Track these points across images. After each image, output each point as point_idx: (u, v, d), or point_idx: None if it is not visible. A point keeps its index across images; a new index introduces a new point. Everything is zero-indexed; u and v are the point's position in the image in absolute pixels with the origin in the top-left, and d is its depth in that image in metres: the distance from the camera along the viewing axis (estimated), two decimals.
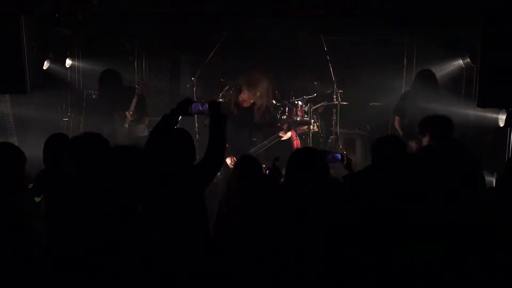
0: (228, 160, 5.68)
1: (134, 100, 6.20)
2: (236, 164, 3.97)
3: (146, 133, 6.47)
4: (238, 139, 5.78)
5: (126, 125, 6.24)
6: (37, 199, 3.54)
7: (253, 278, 2.76)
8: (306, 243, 2.57)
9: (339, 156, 3.96)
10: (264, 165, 4.21)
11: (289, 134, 6.09)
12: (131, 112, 6.21)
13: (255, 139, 5.99)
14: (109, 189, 2.91)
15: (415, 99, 5.95)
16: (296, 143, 7.01)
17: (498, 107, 5.70)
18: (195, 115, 7.07)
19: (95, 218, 2.83)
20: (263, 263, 2.74)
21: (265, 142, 5.90)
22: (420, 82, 5.99)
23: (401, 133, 6.15)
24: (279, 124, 6.44)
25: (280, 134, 5.91)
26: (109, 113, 6.36)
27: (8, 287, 2.82)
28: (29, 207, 3.26)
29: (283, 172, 3.73)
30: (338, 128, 7.09)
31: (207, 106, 3.58)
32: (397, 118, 6.24)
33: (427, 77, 6.00)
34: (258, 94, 5.70)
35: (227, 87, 6.36)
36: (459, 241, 2.79)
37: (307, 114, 7.15)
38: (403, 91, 6.72)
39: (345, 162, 3.99)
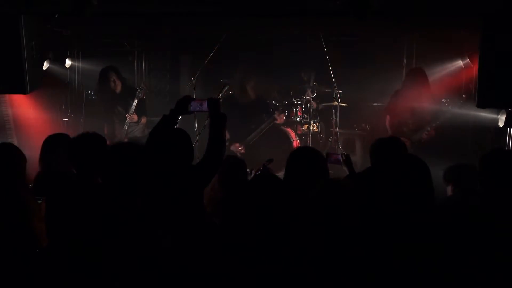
0: (233, 148, 6.27)
1: (134, 103, 6.20)
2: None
3: (145, 133, 6.48)
4: (238, 128, 6.32)
5: (125, 127, 6.24)
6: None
7: (240, 279, 2.76)
8: (305, 245, 2.57)
9: (339, 157, 3.95)
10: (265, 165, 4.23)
11: (283, 117, 6.34)
12: (131, 114, 6.21)
13: (253, 126, 6.45)
14: (108, 188, 2.91)
15: (405, 98, 5.95)
16: (296, 143, 7.02)
17: (498, 107, 5.70)
18: (195, 115, 7.08)
19: (95, 218, 2.83)
20: (250, 265, 2.73)
21: (262, 126, 6.37)
22: (410, 80, 5.99)
23: (389, 131, 6.15)
24: (272, 109, 6.92)
25: (276, 117, 6.41)
26: (106, 112, 6.37)
27: (9, 287, 2.82)
28: (30, 208, 3.26)
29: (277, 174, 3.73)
30: (338, 128, 7.09)
31: (206, 104, 3.56)
32: (387, 117, 6.24)
33: (417, 75, 5.99)
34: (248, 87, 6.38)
35: (226, 87, 6.39)
36: (458, 241, 2.79)
37: (306, 114, 7.17)
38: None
39: (343, 159, 3.96)
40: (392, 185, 2.93)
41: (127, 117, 6.22)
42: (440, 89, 7.18)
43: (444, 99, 6.77)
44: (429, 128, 5.85)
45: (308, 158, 3.41)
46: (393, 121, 6.14)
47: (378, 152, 3.82)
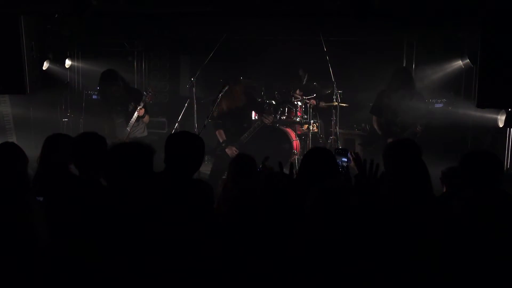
0: (229, 151, 6.20)
1: (142, 103, 6.20)
2: (231, 163, 3.96)
3: (145, 133, 6.48)
4: (233, 130, 6.36)
5: (128, 129, 6.23)
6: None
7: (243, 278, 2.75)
8: (308, 244, 2.56)
9: (348, 155, 3.88)
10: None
11: (271, 118, 6.38)
12: (139, 109, 6.19)
13: (245, 125, 6.44)
14: (110, 187, 2.91)
15: (391, 97, 5.95)
16: (296, 143, 7.02)
17: (498, 108, 5.70)
18: (195, 116, 7.10)
19: (96, 218, 2.83)
20: (262, 261, 2.73)
21: (251, 129, 6.34)
22: (396, 80, 5.99)
23: (379, 132, 6.15)
24: (266, 107, 7.00)
25: (263, 120, 6.37)
26: (108, 115, 6.36)
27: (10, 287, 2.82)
28: (31, 207, 3.25)
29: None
30: (337, 128, 7.10)
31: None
32: (374, 117, 6.24)
33: (403, 75, 6.00)
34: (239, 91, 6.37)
35: (226, 88, 6.39)
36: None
37: (306, 114, 7.17)
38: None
39: (353, 157, 3.90)
40: (407, 189, 2.94)
41: (136, 111, 6.19)
42: (440, 89, 7.19)
43: (444, 100, 6.78)
44: (419, 127, 5.86)
45: (323, 160, 3.39)
46: (380, 121, 6.16)
47: (391, 155, 3.72)
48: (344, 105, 7.14)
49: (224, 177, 4.15)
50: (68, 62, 7.75)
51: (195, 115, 7.04)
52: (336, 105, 7.06)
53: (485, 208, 2.94)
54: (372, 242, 2.62)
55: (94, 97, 7.69)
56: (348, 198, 2.52)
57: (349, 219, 2.48)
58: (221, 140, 6.39)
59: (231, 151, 6.22)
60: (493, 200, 3.00)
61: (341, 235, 2.45)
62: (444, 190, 3.97)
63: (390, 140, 5.67)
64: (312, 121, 7.19)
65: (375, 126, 6.23)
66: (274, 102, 7.31)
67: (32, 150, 3.84)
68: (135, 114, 6.17)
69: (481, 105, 5.07)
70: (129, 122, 6.21)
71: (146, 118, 6.39)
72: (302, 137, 7.30)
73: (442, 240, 2.80)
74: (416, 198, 2.94)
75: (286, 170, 6.72)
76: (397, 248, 2.75)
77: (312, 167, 3.33)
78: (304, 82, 7.67)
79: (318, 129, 7.41)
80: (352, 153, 3.85)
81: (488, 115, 6.01)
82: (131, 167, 2.88)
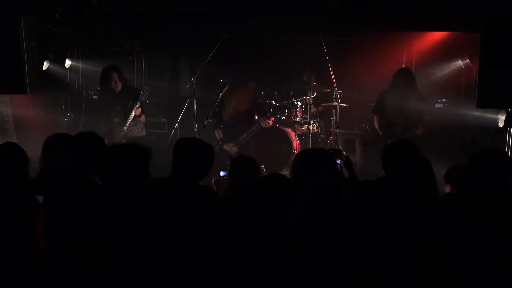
0: (227, 147, 6.33)
1: (139, 102, 6.20)
2: (232, 163, 3.97)
3: (143, 133, 6.48)
4: (233, 131, 6.39)
5: (125, 128, 6.23)
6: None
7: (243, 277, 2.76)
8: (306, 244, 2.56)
9: (339, 161, 3.81)
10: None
11: (269, 122, 6.37)
12: (136, 108, 6.19)
13: (245, 127, 6.46)
14: (108, 188, 2.91)
15: (392, 98, 5.96)
16: (296, 143, 7.02)
17: (498, 107, 5.70)
18: (195, 115, 7.10)
19: (96, 219, 2.83)
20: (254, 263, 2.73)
21: (249, 131, 6.39)
22: (398, 81, 5.99)
23: (380, 133, 6.15)
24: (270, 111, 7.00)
25: (261, 124, 6.39)
26: (106, 113, 6.37)
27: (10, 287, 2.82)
28: (32, 208, 3.26)
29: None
30: (337, 128, 7.10)
31: None
32: (375, 118, 6.25)
33: (405, 76, 6.00)
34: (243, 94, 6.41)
35: (226, 87, 6.38)
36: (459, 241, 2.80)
37: (306, 114, 7.17)
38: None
39: (343, 160, 3.86)
40: (406, 189, 2.93)
41: (133, 110, 6.19)
42: (440, 89, 7.19)
43: (444, 100, 6.78)
44: (420, 128, 5.85)
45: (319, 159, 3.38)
46: (381, 122, 6.16)
47: (390, 156, 3.70)
48: (344, 105, 7.13)
49: (216, 175, 4.13)
50: (68, 62, 7.75)
51: (195, 115, 7.04)
52: (336, 105, 7.06)
53: (493, 208, 2.92)
54: (373, 242, 2.62)
55: (94, 97, 7.70)
56: (347, 196, 2.52)
57: (349, 218, 2.48)
58: (218, 138, 6.43)
59: (229, 147, 6.27)
60: (503, 200, 2.97)
61: (341, 234, 2.45)
62: (449, 189, 3.94)
63: (390, 141, 5.68)
64: (312, 121, 7.19)
65: (377, 127, 6.23)
66: (274, 102, 7.31)
67: (32, 150, 3.84)
68: (132, 113, 6.18)
69: (481, 105, 5.06)
70: (126, 121, 6.23)
71: (143, 118, 6.40)
72: (302, 137, 7.30)
73: (447, 241, 2.79)
74: (420, 199, 2.92)
75: (286, 170, 6.76)
76: (398, 248, 2.75)
77: (313, 168, 3.31)
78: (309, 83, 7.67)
79: (318, 129, 7.41)
80: (343, 157, 3.82)
81: (488, 115, 6.01)
82: (126, 169, 2.87)
